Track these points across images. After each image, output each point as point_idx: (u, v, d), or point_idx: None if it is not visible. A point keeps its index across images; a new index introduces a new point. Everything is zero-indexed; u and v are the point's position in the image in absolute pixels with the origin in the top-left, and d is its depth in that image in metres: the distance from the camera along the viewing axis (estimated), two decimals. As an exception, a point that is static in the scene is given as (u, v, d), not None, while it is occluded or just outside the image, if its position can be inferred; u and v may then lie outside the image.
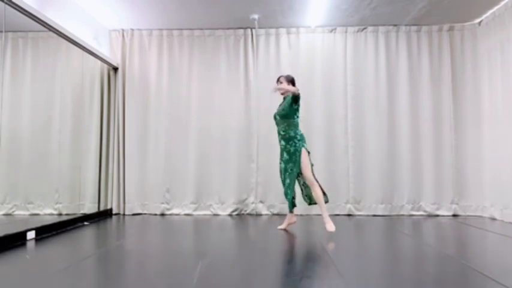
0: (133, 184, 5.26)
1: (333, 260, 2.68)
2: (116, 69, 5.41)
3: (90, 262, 2.72)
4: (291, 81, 3.97)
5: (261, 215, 5.20)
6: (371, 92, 5.24)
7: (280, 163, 3.93)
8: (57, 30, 4.03)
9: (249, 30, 5.37)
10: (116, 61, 5.38)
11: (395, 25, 5.29)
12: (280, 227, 4.00)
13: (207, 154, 5.28)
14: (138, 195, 5.27)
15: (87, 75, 5.00)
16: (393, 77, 5.26)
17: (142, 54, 5.42)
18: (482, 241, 3.61)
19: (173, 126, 5.32)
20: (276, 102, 5.30)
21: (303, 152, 3.77)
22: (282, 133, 3.89)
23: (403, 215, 5.12)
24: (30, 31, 4.05)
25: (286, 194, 3.89)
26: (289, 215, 3.98)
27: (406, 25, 5.27)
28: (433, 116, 5.20)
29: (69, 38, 4.25)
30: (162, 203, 5.27)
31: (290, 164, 3.81)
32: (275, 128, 5.51)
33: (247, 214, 5.23)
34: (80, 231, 3.99)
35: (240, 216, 5.05)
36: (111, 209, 5.26)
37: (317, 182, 3.81)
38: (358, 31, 5.33)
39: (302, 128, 5.24)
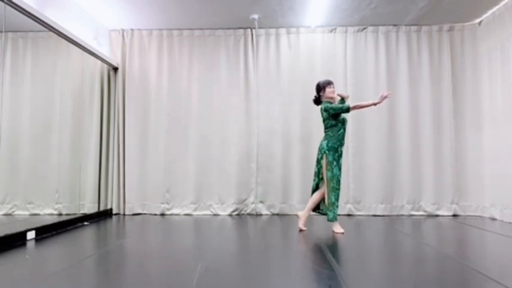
0: (133, 184, 5.27)
1: (333, 260, 2.68)
2: (116, 69, 5.41)
3: (90, 262, 2.72)
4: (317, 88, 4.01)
5: (261, 215, 5.20)
6: (371, 92, 5.24)
7: (339, 177, 3.81)
8: (57, 30, 4.03)
9: (249, 30, 5.37)
10: (116, 61, 5.38)
11: (395, 25, 5.29)
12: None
13: (207, 154, 5.29)
14: (138, 195, 5.27)
15: (87, 75, 5.00)
16: (393, 77, 5.26)
17: (142, 54, 5.43)
18: (482, 241, 3.61)
19: (173, 127, 5.32)
20: (275, 103, 5.31)
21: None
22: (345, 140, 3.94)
23: (403, 215, 5.12)
24: (30, 31, 4.05)
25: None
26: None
27: (406, 25, 5.27)
28: (433, 116, 5.20)
29: (69, 38, 4.26)
30: (162, 203, 5.27)
31: None
32: (275, 128, 5.51)
33: (247, 214, 5.23)
34: (80, 231, 3.99)
35: (240, 216, 5.05)
36: (111, 209, 5.26)
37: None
38: (358, 31, 5.33)
39: (302, 127, 5.28)
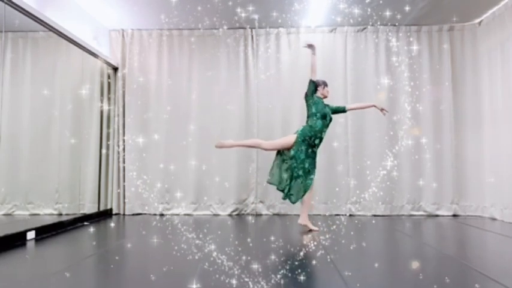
0: (133, 184, 5.26)
1: (333, 260, 2.68)
2: (116, 69, 5.41)
3: (90, 262, 2.72)
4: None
5: (261, 215, 5.20)
6: (371, 92, 5.23)
7: (304, 164, 3.83)
8: (57, 30, 4.03)
9: (249, 30, 5.37)
10: (116, 61, 5.38)
11: (395, 25, 5.29)
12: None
13: (207, 154, 5.28)
14: (138, 195, 5.27)
15: (87, 75, 5.00)
16: (393, 77, 5.26)
17: (142, 54, 5.42)
18: (482, 241, 3.61)
19: (173, 126, 5.32)
20: (275, 103, 5.31)
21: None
22: (323, 136, 3.92)
23: (403, 215, 5.12)
24: (30, 31, 4.05)
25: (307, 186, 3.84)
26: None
27: (406, 25, 5.27)
28: (433, 116, 5.20)
29: (69, 38, 4.25)
30: (162, 203, 5.27)
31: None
32: (275, 128, 5.49)
33: (247, 214, 5.23)
34: (80, 231, 3.98)
35: (240, 216, 5.05)
36: (111, 209, 5.26)
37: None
38: (358, 31, 5.33)
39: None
